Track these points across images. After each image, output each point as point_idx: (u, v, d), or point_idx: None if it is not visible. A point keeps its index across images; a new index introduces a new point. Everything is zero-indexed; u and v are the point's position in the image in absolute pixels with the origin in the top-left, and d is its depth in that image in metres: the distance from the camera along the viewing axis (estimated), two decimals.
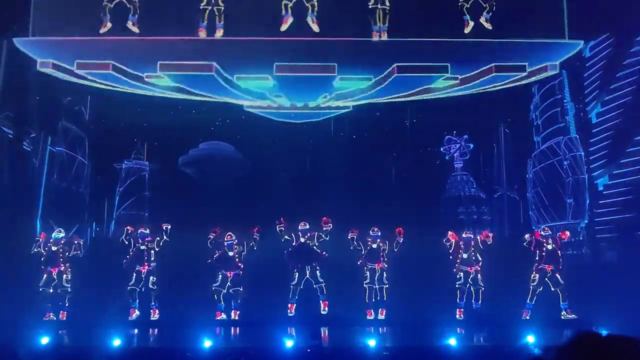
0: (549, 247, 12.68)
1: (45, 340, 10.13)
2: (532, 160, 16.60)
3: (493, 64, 13.95)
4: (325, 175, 15.43)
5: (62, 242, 12.86)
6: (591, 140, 15.49)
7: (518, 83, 15.05)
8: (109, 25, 13.49)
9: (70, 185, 15.79)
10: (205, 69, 13.77)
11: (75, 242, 12.99)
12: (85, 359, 9.71)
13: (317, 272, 12.82)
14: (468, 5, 13.63)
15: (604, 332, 2.18)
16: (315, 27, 13.47)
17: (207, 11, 13.52)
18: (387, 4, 13.62)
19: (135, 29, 13.56)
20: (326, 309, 12.80)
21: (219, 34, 13.68)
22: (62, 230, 13.11)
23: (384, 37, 13.68)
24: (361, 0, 13.63)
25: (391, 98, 15.44)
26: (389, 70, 14.07)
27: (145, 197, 16.79)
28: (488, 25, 13.66)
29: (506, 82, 14.89)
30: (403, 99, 15.44)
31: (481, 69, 14.28)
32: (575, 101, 15.87)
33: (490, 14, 13.60)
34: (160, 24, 13.48)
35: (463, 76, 14.62)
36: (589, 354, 2.07)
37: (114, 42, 13.82)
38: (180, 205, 15.01)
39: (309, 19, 13.46)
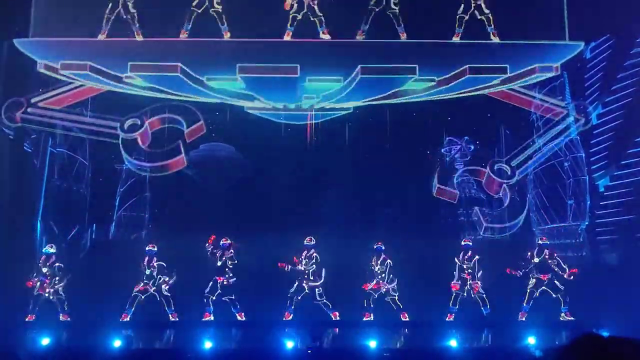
0: (536, 260, 12.68)
1: (45, 341, 10.13)
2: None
3: (467, 65, 13.94)
4: (326, 176, 15.38)
5: (52, 259, 12.68)
6: (592, 142, 15.47)
7: (522, 84, 15.04)
8: (106, 33, 14.03)
9: (71, 186, 15.76)
10: (171, 69, 13.94)
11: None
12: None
13: (316, 291, 12.73)
14: (467, 17, 13.85)
15: (605, 334, 2.17)
16: (326, 37, 14.01)
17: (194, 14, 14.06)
18: (394, 7, 13.76)
19: (140, 38, 14.04)
20: (337, 317, 12.78)
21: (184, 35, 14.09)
22: (53, 245, 13.01)
23: (403, 38, 13.79)
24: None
25: (370, 100, 15.42)
26: (355, 71, 14.11)
27: (146, 198, 16.75)
28: (495, 38, 13.83)
29: (511, 83, 14.88)
30: (405, 101, 15.41)
31: (455, 71, 14.25)
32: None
33: (492, 25, 13.78)
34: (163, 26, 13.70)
35: (440, 78, 14.60)
36: (590, 356, 2.06)
37: (115, 43, 13.87)
38: (180, 206, 14.98)
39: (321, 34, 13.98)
